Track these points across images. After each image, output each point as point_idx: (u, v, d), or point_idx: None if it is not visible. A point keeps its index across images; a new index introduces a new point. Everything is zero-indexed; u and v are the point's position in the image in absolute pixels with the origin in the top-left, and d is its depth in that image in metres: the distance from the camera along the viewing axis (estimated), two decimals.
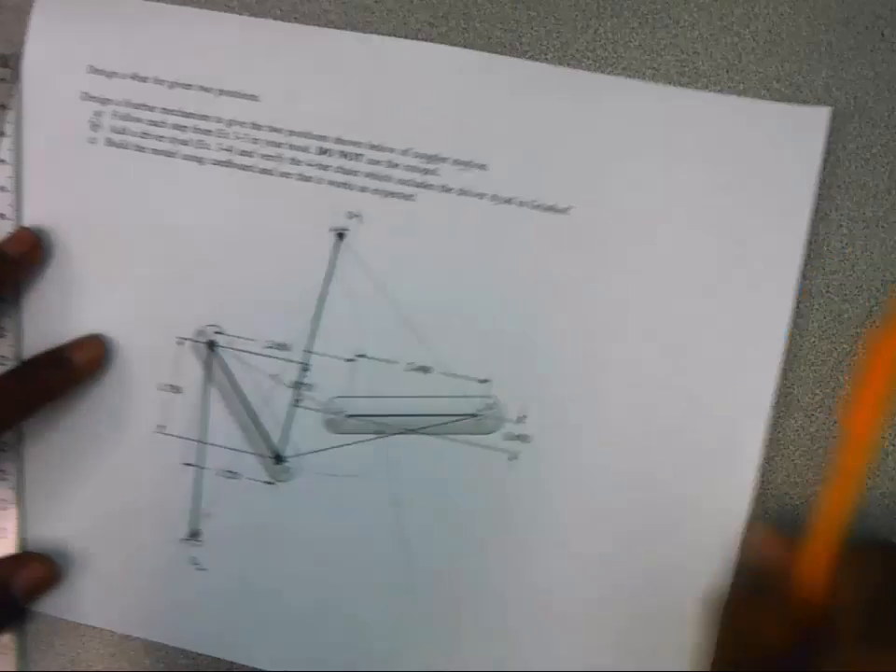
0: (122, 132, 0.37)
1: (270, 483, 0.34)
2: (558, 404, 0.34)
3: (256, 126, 0.36)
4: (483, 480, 0.33)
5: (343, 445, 0.34)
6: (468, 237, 0.34)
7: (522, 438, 0.33)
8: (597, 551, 0.33)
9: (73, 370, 0.33)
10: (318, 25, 0.37)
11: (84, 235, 0.36)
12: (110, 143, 0.37)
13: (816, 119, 0.34)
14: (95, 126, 0.36)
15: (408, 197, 0.35)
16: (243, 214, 0.35)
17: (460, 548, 0.34)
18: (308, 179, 0.35)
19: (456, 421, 0.33)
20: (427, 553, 0.34)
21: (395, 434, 0.34)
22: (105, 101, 0.37)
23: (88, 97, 0.37)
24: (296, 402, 0.34)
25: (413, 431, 0.34)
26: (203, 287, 0.35)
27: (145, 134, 0.37)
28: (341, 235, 0.34)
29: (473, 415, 0.34)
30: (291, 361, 0.34)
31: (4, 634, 0.33)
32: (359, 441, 0.34)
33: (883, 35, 0.36)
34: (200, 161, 0.36)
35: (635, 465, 0.33)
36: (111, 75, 0.37)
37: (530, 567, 0.33)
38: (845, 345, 0.35)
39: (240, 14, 0.38)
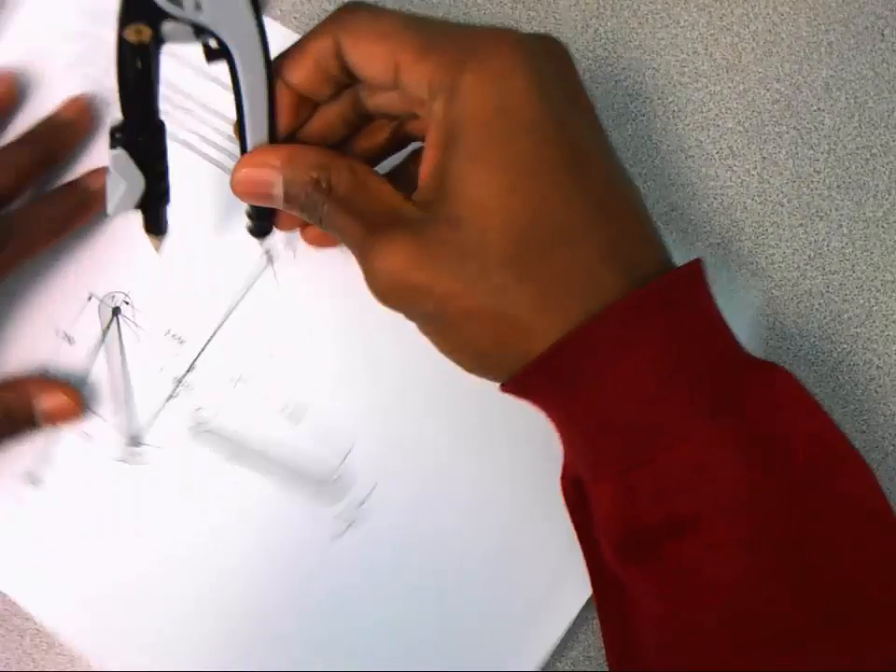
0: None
1: (120, 460, 0.34)
2: (404, 497, 0.34)
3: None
4: (302, 542, 0.33)
5: (195, 454, 0.34)
6: None
7: (350, 521, 0.34)
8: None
9: (90, 194, 0.34)
10: None
11: None
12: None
13: None
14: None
15: None
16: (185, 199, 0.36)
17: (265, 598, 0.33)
18: None
19: (302, 481, 0.34)
20: (232, 590, 0.33)
21: (244, 467, 0.34)
22: None
23: None
24: (170, 397, 0.35)
25: (259, 471, 0.34)
26: (128, 253, 0.35)
27: None
28: (271, 259, 0.35)
29: (320, 481, 0.34)
30: (180, 357, 0.35)
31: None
32: (211, 459, 0.34)
33: (883, 35, 0.36)
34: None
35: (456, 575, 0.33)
36: None
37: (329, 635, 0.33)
38: (845, 345, 0.35)
39: None
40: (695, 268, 0.26)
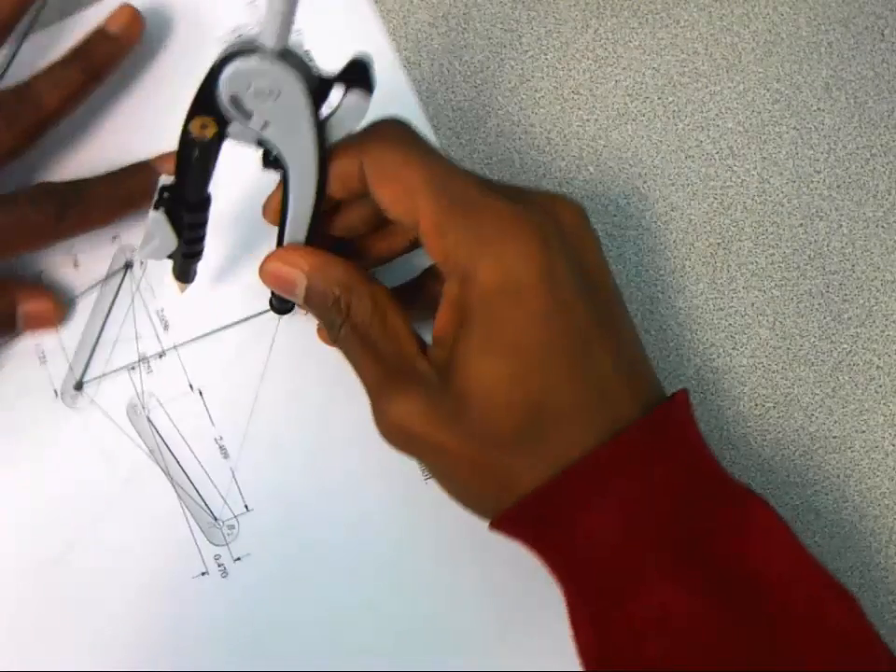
0: None
1: (58, 393, 0.35)
2: (279, 576, 0.34)
3: None
4: (169, 563, 0.34)
5: (120, 428, 0.34)
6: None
7: (223, 569, 0.34)
8: None
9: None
10: None
11: None
12: None
13: None
14: None
15: None
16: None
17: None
18: None
19: (199, 505, 0.34)
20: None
21: (156, 466, 0.34)
22: None
23: None
24: (129, 367, 0.35)
25: (168, 478, 0.34)
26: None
27: None
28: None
29: (214, 518, 0.34)
30: (158, 339, 0.35)
31: None
32: (130, 439, 0.34)
33: (883, 35, 0.36)
34: None
35: None
36: None
37: None
38: (845, 345, 0.35)
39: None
40: (679, 400, 0.27)
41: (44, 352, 0.35)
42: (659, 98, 0.36)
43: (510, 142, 0.37)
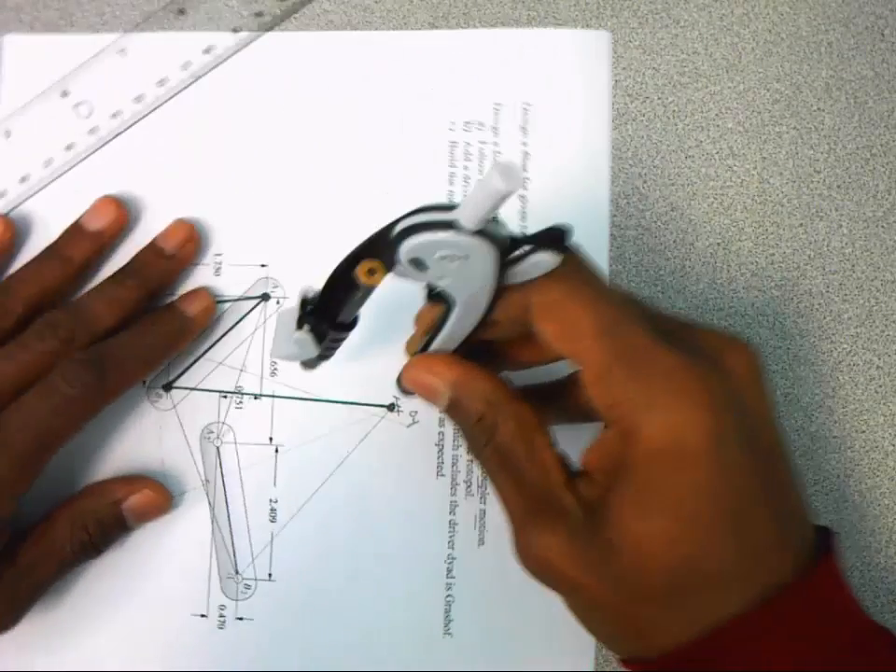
0: None
1: (142, 385, 0.35)
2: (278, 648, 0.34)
3: None
4: (176, 594, 0.34)
5: (184, 444, 0.35)
6: None
7: (222, 621, 0.34)
8: None
9: (187, 321, 0.34)
10: (318, 25, 0.37)
11: None
12: None
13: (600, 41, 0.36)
14: None
15: None
16: None
17: None
18: None
19: (227, 552, 0.34)
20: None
21: (205, 496, 0.34)
22: None
23: None
24: (226, 396, 0.35)
25: (210, 511, 0.34)
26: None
27: None
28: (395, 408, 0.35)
29: (236, 571, 0.34)
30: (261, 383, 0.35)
31: (107, 549, 0.34)
32: (186, 459, 0.35)
33: (883, 35, 0.36)
34: None
35: None
36: None
37: None
38: (845, 345, 0.35)
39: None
40: (830, 560, 0.26)
41: None
42: (659, 98, 0.36)
43: None
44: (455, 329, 0.26)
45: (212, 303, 0.35)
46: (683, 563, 0.25)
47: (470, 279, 0.24)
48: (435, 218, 0.22)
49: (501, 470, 0.27)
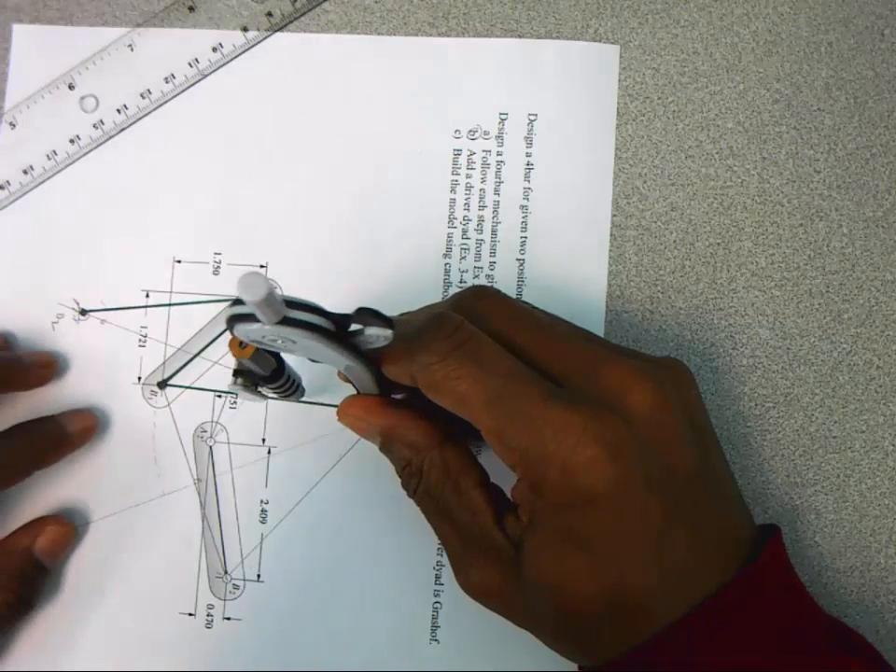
0: None
1: (140, 384, 0.35)
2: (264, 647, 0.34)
3: None
4: (167, 590, 0.34)
5: (176, 436, 0.35)
6: None
7: (210, 620, 0.34)
8: None
9: (66, 437, 0.34)
10: (319, 25, 0.37)
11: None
12: None
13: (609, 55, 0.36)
14: None
15: None
16: None
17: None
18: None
19: (217, 552, 0.34)
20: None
21: (198, 493, 0.34)
22: None
23: None
24: (221, 395, 0.35)
25: (201, 510, 0.34)
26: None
27: None
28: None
29: (225, 571, 0.34)
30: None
31: (37, 598, 0.34)
32: (176, 451, 0.34)
33: (883, 35, 0.36)
34: None
35: None
36: None
37: None
38: (845, 345, 0.35)
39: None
40: (769, 554, 0.27)
41: (147, 335, 0.35)
42: (659, 98, 0.36)
43: None
44: (360, 384, 0.28)
45: (94, 425, 0.34)
46: (603, 591, 0.25)
47: (320, 352, 0.24)
48: (244, 311, 0.23)
49: (433, 513, 0.28)
